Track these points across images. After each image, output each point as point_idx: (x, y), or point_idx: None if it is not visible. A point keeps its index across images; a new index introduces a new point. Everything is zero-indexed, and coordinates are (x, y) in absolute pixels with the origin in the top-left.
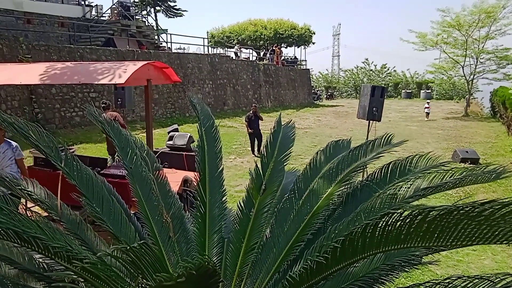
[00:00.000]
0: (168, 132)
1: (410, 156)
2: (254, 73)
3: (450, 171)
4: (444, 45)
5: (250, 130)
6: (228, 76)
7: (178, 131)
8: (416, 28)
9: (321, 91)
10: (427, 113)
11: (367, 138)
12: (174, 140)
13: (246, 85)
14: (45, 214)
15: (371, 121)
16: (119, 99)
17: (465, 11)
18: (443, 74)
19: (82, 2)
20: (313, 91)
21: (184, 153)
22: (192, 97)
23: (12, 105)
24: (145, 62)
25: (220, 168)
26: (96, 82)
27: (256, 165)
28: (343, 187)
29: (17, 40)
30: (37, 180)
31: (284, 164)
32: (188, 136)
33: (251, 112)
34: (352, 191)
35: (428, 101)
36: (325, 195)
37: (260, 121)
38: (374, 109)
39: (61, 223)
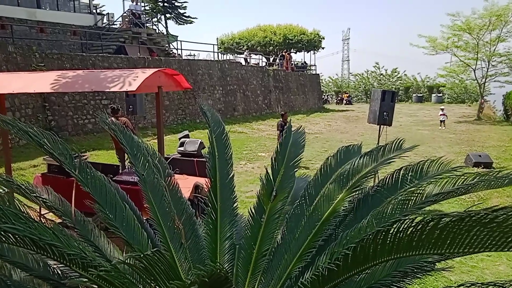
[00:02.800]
0: (179, 138)
1: (421, 161)
2: (264, 79)
3: (463, 177)
4: (455, 49)
5: (280, 140)
6: (238, 82)
7: (188, 137)
8: (426, 32)
9: (331, 95)
10: (442, 121)
11: (378, 143)
12: (185, 146)
13: (256, 91)
14: (59, 220)
15: (382, 126)
16: (130, 106)
17: (475, 14)
18: (454, 77)
19: (94, 11)
20: (323, 96)
21: (195, 159)
22: (203, 104)
23: (26, 112)
24: (156, 69)
25: (231, 175)
26: (108, 90)
27: (267, 171)
28: (354, 193)
29: (30, 49)
30: (51, 187)
31: (295, 170)
32: (199, 142)
33: (281, 120)
34: (364, 197)
35: (442, 107)
36: (336, 201)
37: None
38: (384, 113)
39: (75, 230)
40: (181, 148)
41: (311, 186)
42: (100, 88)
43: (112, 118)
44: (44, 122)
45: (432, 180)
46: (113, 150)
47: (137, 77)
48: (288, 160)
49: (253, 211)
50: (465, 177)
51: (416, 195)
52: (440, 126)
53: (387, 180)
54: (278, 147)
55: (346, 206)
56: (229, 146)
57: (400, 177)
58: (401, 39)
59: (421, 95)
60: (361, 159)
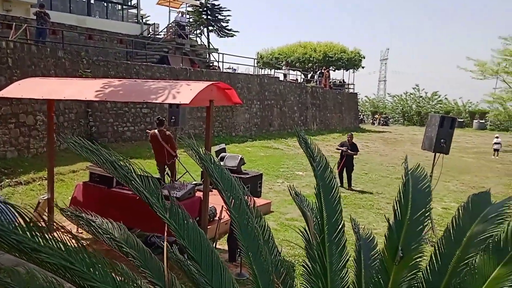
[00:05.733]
0: (216, 152)
1: None
2: (302, 95)
3: None
4: (504, 75)
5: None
6: (275, 97)
7: (225, 151)
8: (469, 55)
9: (366, 115)
10: (496, 150)
11: (432, 172)
12: (225, 161)
13: (293, 107)
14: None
15: (437, 154)
16: (173, 117)
17: None
18: (503, 104)
19: (141, 21)
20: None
21: (233, 175)
22: (311, 147)
23: (69, 117)
24: (209, 82)
25: (340, 226)
26: (161, 101)
27: (389, 223)
28: None
29: (79, 54)
30: (90, 196)
31: (423, 225)
32: (239, 158)
33: (347, 141)
34: None
35: (497, 135)
36: (492, 276)
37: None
38: (442, 140)
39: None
40: (221, 163)
41: (442, 247)
42: (153, 99)
43: (155, 131)
44: (85, 128)
45: None
46: (150, 160)
47: (191, 89)
48: (413, 211)
49: (378, 275)
50: None
51: None
52: (494, 155)
53: None
54: (400, 193)
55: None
56: (338, 196)
57: None
58: (440, 62)
59: (461, 120)
60: None
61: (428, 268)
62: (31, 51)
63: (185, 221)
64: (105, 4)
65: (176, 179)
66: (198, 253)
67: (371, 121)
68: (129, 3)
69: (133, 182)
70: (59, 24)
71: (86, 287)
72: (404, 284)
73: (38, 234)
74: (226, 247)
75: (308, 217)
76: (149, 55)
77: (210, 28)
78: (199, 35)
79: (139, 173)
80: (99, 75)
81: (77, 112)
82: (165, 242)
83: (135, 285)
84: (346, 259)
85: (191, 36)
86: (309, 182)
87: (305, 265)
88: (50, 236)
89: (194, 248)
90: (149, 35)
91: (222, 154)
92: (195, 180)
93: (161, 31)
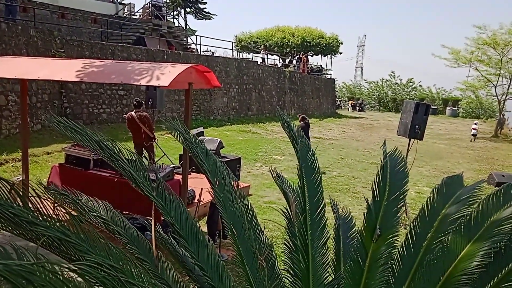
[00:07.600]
0: (193, 135)
1: None
2: (280, 80)
3: None
4: (477, 63)
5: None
6: (254, 81)
7: (203, 134)
8: (443, 44)
9: (343, 101)
10: (474, 135)
11: (406, 157)
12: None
13: (271, 91)
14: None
15: (411, 140)
16: (150, 100)
17: (503, 29)
18: (474, 92)
19: (116, 0)
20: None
21: None
22: (291, 124)
23: (43, 98)
24: (188, 65)
25: (321, 206)
26: (137, 83)
27: (368, 203)
28: (484, 246)
29: (51, 33)
30: (67, 178)
31: (399, 205)
32: (218, 141)
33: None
34: (497, 250)
35: (476, 122)
36: (463, 253)
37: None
38: (416, 126)
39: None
40: None
41: (417, 225)
42: (129, 80)
43: (132, 112)
44: (59, 109)
45: None
46: (126, 142)
47: (169, 72)
48: (391, 192)
49: (354, 253)
50: None
51: None
52: (471, 140)
53: None
54: (378, 175)
55: (477, 263)
56: (319, 176)
57: None
58: (416, 50)
59: (435, 107)
60: (490, 200)
61: (403, 245)
62: (1, 29)
63: (171, 200)
64: None
65: (155, 161)
66: (184, 230)
67: (348, 107)
68: None
69: (119, 161)
70: (30, 1)
71: (80, 260)
72: (381, 260)
73: (33, 208)
74: (204, 229)
75: (289, 197)
76: (125, 36)
77: (188, 9)
78: (176, 17)
79: (126, 153)
80: (73, 55)
81: (50, 92)
82: (153, 220)
83: (126, 258)
84: (327, 237)
85: (168, 17)
86: (287, 166)
87: (287, 242)
88: (45, 209)
89: (180, 225)
90: (125, 15)
91: (201, 138)
92: (173, 163)
93: (137, 12)
